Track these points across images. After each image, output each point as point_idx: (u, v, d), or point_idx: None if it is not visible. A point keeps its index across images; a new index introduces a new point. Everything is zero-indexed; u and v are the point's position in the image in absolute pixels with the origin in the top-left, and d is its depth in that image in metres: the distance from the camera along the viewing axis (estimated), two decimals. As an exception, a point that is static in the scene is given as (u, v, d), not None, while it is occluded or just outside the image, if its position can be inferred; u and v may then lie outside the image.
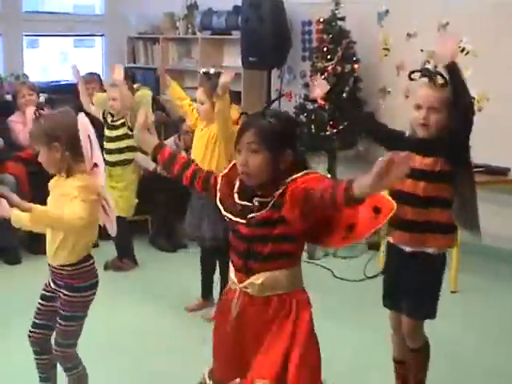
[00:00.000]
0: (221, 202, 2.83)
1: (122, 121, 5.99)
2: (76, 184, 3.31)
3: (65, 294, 3.45)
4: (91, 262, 3.49)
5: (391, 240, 3.65)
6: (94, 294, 3.52)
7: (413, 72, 3.57)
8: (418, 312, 3.66)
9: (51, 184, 3.47)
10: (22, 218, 3.22)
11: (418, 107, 3.48)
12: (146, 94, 6.58)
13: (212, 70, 5.15)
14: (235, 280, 2.83)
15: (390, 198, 2.74)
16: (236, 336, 2.84)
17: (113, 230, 3.53)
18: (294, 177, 2.68)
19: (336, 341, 4.29)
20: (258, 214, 2.71)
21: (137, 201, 6.08)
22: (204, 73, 5.16)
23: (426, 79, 3.51)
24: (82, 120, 3.33)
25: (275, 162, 2.70)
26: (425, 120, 3.46)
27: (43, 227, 3.39)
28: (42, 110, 3.47)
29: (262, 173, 2.70)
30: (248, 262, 2.77)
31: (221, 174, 2.89)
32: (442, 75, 3.48)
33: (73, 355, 3.56)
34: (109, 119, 6.04)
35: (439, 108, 3.45)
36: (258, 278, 2.74)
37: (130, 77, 7.87)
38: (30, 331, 3.61)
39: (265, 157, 2.69)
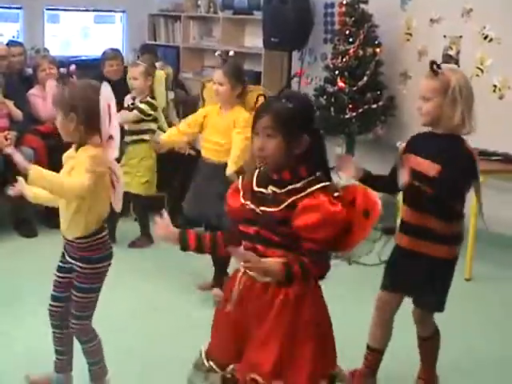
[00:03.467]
0: (243, 197, 2.80)
1: (137, 104, 6.01)
2: (85, 155, 3.32)
3: (80, 267, 3.47)
4: (104, 233, 3.51)
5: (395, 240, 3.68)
6: (109, 265, 3.54)
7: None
8: (427, 305, 3.70)
9: (65, 157, 3.48)
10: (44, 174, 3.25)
11: (419, 98, 3.57)
12: (157, 75, 6.56)
13: (231, 53, 5.13)
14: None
15: (378, 201, 2.71)
16: (236, 317, 2.83)
17: (118, 205, 3.53)
18: (311, 189, 2.67)
19: (351, 324, 4.29)
20: (269, 210, 2.70)
21: (146, 179, 6.09)
22: (219, 55, 5.12)
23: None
24: (105, 90, 3.33)
25: (290, 146, 2.69)
26: (419, 110, 3.55)
27: (44, 189, 3.33)
28: (72, 76, 3.47)
29: (277, 157, 2.70)
30: (256, 246, 2.76)
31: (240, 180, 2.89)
32: (431, 64, 3.52)
33: (89, 328, 3.59)
34: (129, 102, 6.07)
35: (429, 96, 3.49)
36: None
37: (153, 52, 7.91)
38: (50, 305, 3.64)
39: (280, 141, 2.68)
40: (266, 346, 2.74)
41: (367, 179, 3.49)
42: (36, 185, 3.29)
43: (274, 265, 2.66)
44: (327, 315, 2.87)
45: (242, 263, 2.75)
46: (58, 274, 3.61)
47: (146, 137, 6.03)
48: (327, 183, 2.70)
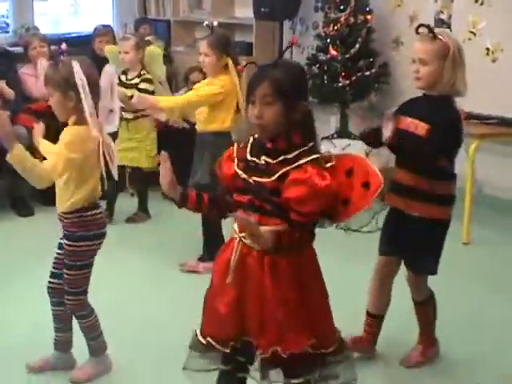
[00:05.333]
0: (237, 165, 2.80)
1: (135, 81, 5.97)
2: (65, 140, 3.36)
3: (66, 244, 3.50)
4: (93, 212, 3.51)
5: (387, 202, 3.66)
6: (97, 245, 3.55)
7: (419, 27, 3.58)
8: (419, 268, 3.72)
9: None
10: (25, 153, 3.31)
11: (413, 61, 3.56)
12: (155, 51, 6.51)
13: (215, 23, 5.11)
14: (236, 229, 2.80)
15: (379, 173, 2.70)
16: (236, 289, 2.79)
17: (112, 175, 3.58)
18: (301, 162, 2.65)
19: (350, 291, 4.31)
20: (262, 180, 2.70)
21: (155, 152, 6.07)
22: (207, 25, 5.11)
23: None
24: (109, 68, 3.47)
25: (290, 113, 2.68)
26: (416, 73, 3.54)
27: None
28: (62, 55, 3.48)
29: (276, 125, 2.68)
30: (250, 214, 2.73)
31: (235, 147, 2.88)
32: (429, 28, 3.51)
33: (83, 304, 3.60)
34: (123, 78, 6.02)
35: (426, 59, 3.49)
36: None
37: (150, 23, 7.88)
38: (49, 281, 3.66)
39: (279, 109, 2.67)
40: (284, 321, 2.74)
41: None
42: (14, 162, 3.26)
43: (265, 233, 2.65)
44: (321, 278, 2.87)
45: (236, 228, 2.77)
46: (56, 250, 3.63)
47: (148, 111, 6.01)
48: (317, 155, 2.69)
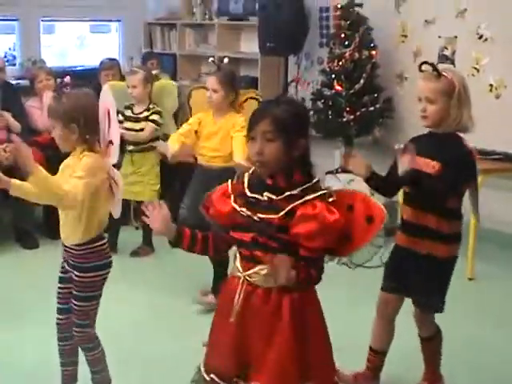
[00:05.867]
0: (235, 201, 2.79)
1: (144, 114, 5.97)
2: (84, 164, 3.33)
3: (76, 275, 3.48)
4: (102, 242, 3.51)
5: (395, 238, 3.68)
6: (106, 274, 3.53)
7: (422, 64, 3.59)
8: (426, 306, 3.70)
9: (63, 164, 3.48)
10: (24, 186, 3.21)
11: (419, 99, 3.55)
12: (168, 85, 6.52)
13: (226, 60, 5.10)
14: (240, 268, 2.80)
15: (382, 207, 2.71)
16: (239, 327, 2.78)
17: (117, 211, 3.55)
18: (309, 197, 2.65)
19: (354, 326, 4.30)
20: (268, 217, 2.69)
21: (158, 186, 6.09)
22: (213, 61, 5.11)
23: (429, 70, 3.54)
24: (105, 94, 3.38)
25: (290, 150, 2.69)
26: (423, 112, 3.53)
27: (39, 195, 3.23)
28: (66, 88, 3.49)
29: (277, 161, 2.69)
30: (254, 252, 2.74)
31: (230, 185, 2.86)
32: (433, 66, 3.51)
33: (91, 336, 3.58)
34: (127, 113, 6.03)
35: (433, 98, 3.48)
36: (263, 269, 2.71)
37: (158, 58, 7.92)
38: (57, 318, 3.63)
39: (280, 145, 2.67)
40: (284, 365, 2.72)
41: (372, 178, 3.50)
42: (35, 186, 3.17)
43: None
44: (323, 317, 2.86)
45: (240, 267, 2.78)
46: (59, 285, 3.61)
47: (154, 144, 6.02)
48: (324, 191, 2.70)
